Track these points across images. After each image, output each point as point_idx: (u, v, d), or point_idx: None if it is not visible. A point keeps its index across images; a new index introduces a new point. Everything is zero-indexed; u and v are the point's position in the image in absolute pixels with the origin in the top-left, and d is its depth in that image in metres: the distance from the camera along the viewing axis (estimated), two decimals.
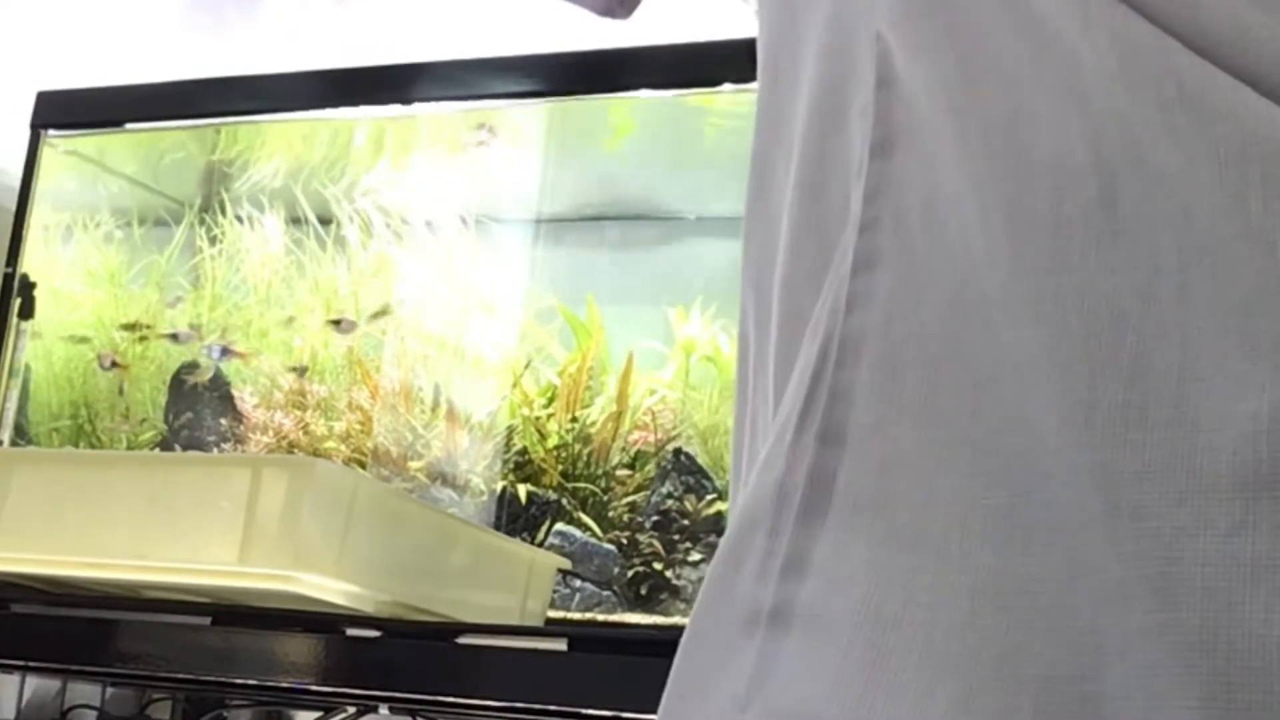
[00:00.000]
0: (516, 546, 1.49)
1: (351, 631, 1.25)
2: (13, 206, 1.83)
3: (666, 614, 1.54)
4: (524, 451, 1.67)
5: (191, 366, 1.85)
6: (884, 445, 0.41)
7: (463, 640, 1.22)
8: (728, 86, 1.54)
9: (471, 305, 1.77)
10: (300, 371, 1.76)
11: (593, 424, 1.66)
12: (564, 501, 1.62)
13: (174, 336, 1.84)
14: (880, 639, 0.38)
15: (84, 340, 1.90)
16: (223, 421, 1.80)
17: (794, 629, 0.39)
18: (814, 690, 0.38)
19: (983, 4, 0.43)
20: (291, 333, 1.80)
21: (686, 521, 1.58)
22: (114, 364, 1.87)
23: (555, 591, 1.50)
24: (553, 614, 1.48)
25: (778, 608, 0.40)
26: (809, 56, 0.49)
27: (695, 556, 1.56)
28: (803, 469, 0.41)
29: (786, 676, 0.39)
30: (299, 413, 1.74)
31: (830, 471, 0.41)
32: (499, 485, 1.66)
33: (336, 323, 1.77)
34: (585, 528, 1.60)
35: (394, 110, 1.76)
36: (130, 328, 1.86)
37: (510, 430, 1.68)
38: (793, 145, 0.49)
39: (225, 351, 1.82)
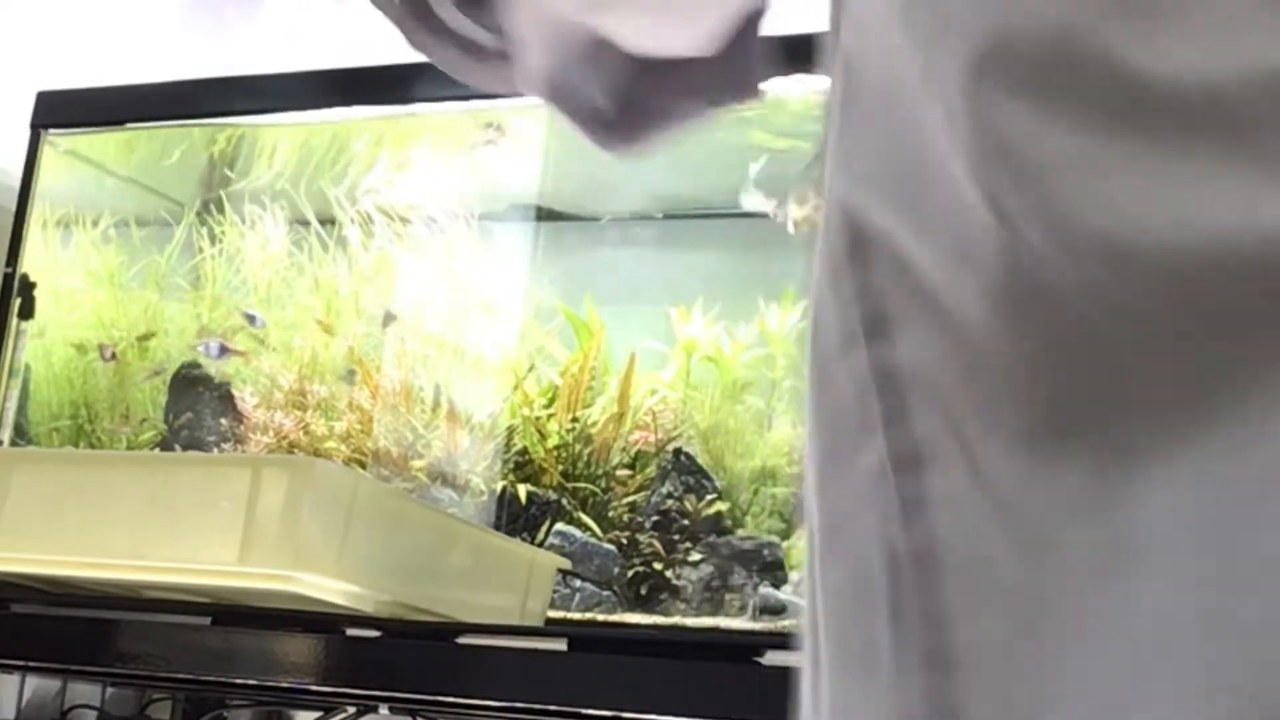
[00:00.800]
0: (516, 546, 1.49)
1: (351, 631, 1.25)
2: (13, 206, 1.83)
3: (666, 614, 1.54)
4: (524, 451, 1.67)
5: (193, 366, 1.85)
6: (1000, 664, 0.36)
7: (463, 640, 1.22)
8: None
9: (472, 305, 1.77)
10: (351, 377, 1.75)
11: (593, 424, 1.66)
12: (564, 501, 1.62)
13: (250, 318, 1.82)
14: None
15: (82, 349, 1.89)
16: (223, 421, 1.80)
17: None
18: None
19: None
20: (322, 336, 1.80)
21: (686, 521, 1.58)
22: (113, 355, 1.86)
23: (555, 591, 1.50)
24: (553, 614, 1.48)
25: None
26: None
27: (695, 556, 1.56)
28: (920, 702, 0.37)
29: None
30: (299, 413, 1.74)
31: (950, 704, 0.37)
32: (499, 485, 1.66)
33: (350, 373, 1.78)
34: (585, 528, 1.59)
35: (394, 110, 1.77)
36: (145, 338, 1.86)
37: (511, 430, 1.68)
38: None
39: (224, 349, 1.82)
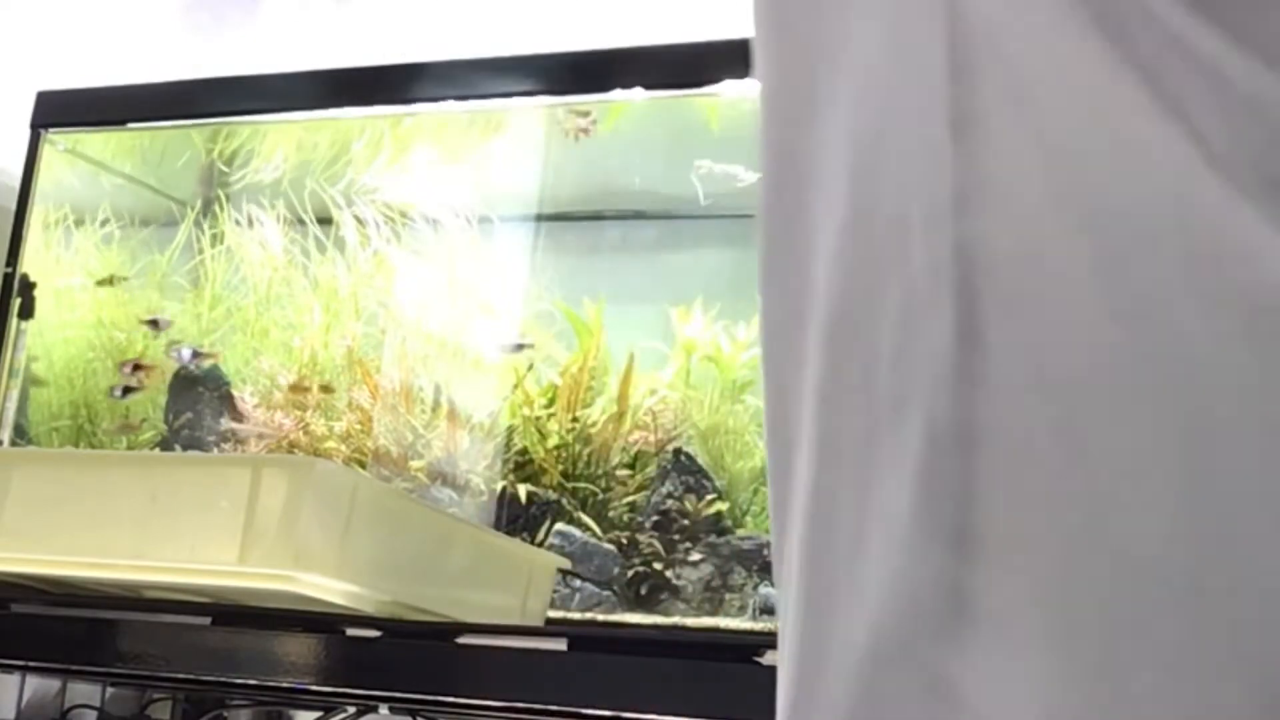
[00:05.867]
0: (516, 546, 1.49)
1: (351, 631, 1.25)
2: (13, 206, 1.83)
3: (666, 614, 1.54)
4: (524, 451, 1.67)
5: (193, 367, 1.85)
6: (1025, 554, 0.36)
7: (463, 640, 1.22)
8: (727, 86, 1.54)
9: (472, 305, 1.77)
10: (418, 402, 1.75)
11: (593, 424, 1.66)
12: (564, 501, 1.62)
13: (153, 323, 1.83)
14: None
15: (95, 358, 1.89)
16: (222, 421, 1.80)
17: None
18: None
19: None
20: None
21: (686, 521, 1.57)
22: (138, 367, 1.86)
23: (555, 591, 1.50)
24: (553, 614, 1.48)
25: None
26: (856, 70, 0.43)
27: (695, 556, 1.56)
28: (936, 582, 0.36)
29: None
30: (299, 413, 1.74)
31: (968, 586, 0.36)
32: (499, 485, 1.66)
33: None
34: (585, 528, 1.59)
35: (394, 110, 1.76)
36: (297, 388, 1.84)
37: (511, 430, 1.68)
38: (836, 180, 0.43)
39: (195, 354, 1.83)
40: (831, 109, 0.43)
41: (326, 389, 1.74)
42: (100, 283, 1.89)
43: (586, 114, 1.70)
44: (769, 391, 0.45)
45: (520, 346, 1.71)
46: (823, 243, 0.42)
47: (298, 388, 1.75)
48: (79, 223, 1.93)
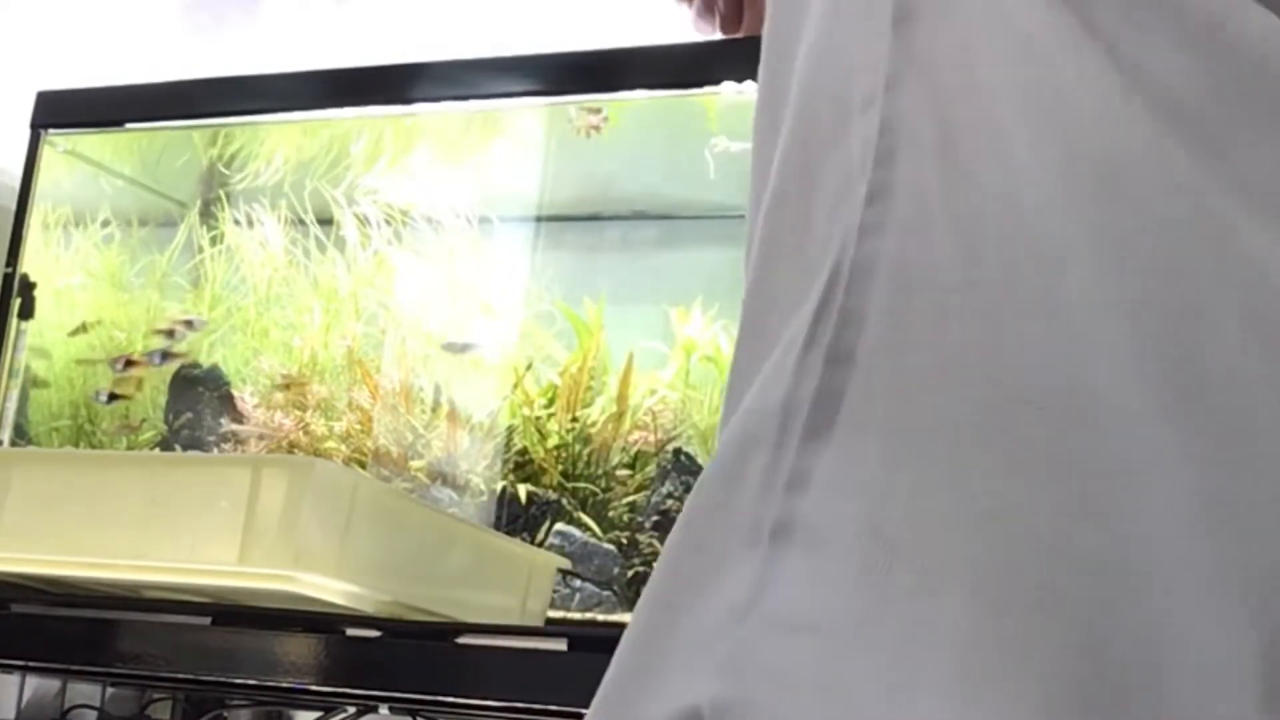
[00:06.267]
0: (516, 546, 1.49)
1: (351, 631, 1.25)
2: (13, 206, 1.83)
3: None
4: (524, 451, 1.67)
5: (192, 366, 1.85)
6: (893, 369, 0.40)
7: (463, 640, 1.22)
8: (728, 86, 1.54)
9: (472, 305, 1.77)
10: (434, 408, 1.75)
11: (593, 424, 1.66)
12: (564, 501, 1.62)
13: (189, 323, 1.82)
14: (882, 554, 0.38)
15: (91, 363, 1.89)
16: (222, 421, 1.80)
17: (796, 542, 0.39)
18: (813, 600, 0.38)
19: None
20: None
21: None
22: (128, 365, 1.85)
23: (555, 591, 1.50)
24: (553, 614, 1.48)
25: (781, 521, 0.39)
26: None
27: None
28: (809, 387, 0.41)
29: (787, 587, 0.39)
30: (299, 413, 1.74)
31: (837, 390, 0.40)
32: (499, 485, 1.66)
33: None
34: (585, 528, 1.59)
35: (394, 110, 1.76)
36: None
37: (510, 430, 1.68)
38: (792, 73, 0.49)
39: (165, 356, 1.83)
40: (803, 35, 0.49)
41: (299, 383, 1.74)
42: (72, 333, 1.89)
43: (598, 111, 1.70)
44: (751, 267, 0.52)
45: (466, 346, 1.71)
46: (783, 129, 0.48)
47: (293, 383, 1.75)
48: (79, 223, 1.93)
